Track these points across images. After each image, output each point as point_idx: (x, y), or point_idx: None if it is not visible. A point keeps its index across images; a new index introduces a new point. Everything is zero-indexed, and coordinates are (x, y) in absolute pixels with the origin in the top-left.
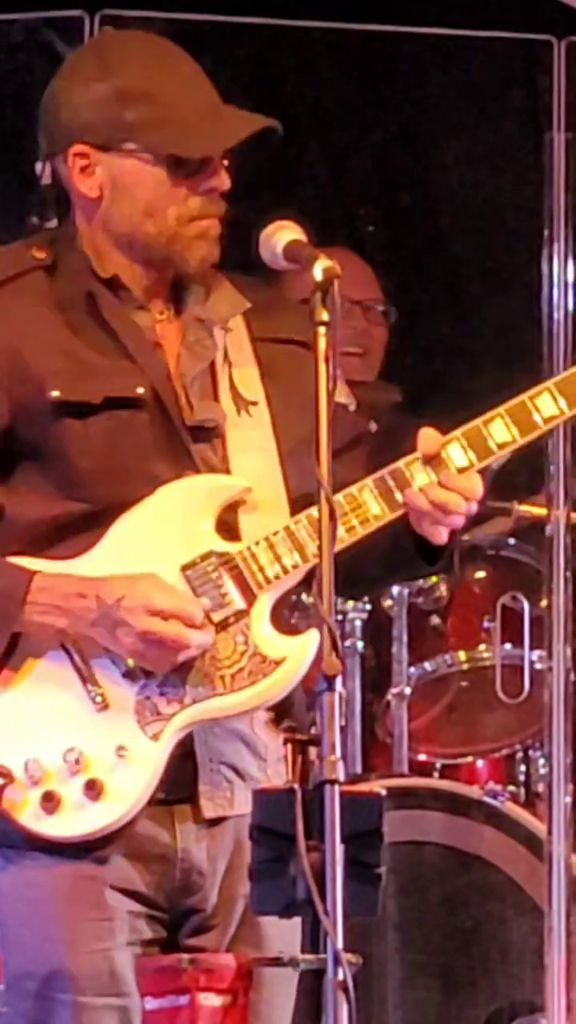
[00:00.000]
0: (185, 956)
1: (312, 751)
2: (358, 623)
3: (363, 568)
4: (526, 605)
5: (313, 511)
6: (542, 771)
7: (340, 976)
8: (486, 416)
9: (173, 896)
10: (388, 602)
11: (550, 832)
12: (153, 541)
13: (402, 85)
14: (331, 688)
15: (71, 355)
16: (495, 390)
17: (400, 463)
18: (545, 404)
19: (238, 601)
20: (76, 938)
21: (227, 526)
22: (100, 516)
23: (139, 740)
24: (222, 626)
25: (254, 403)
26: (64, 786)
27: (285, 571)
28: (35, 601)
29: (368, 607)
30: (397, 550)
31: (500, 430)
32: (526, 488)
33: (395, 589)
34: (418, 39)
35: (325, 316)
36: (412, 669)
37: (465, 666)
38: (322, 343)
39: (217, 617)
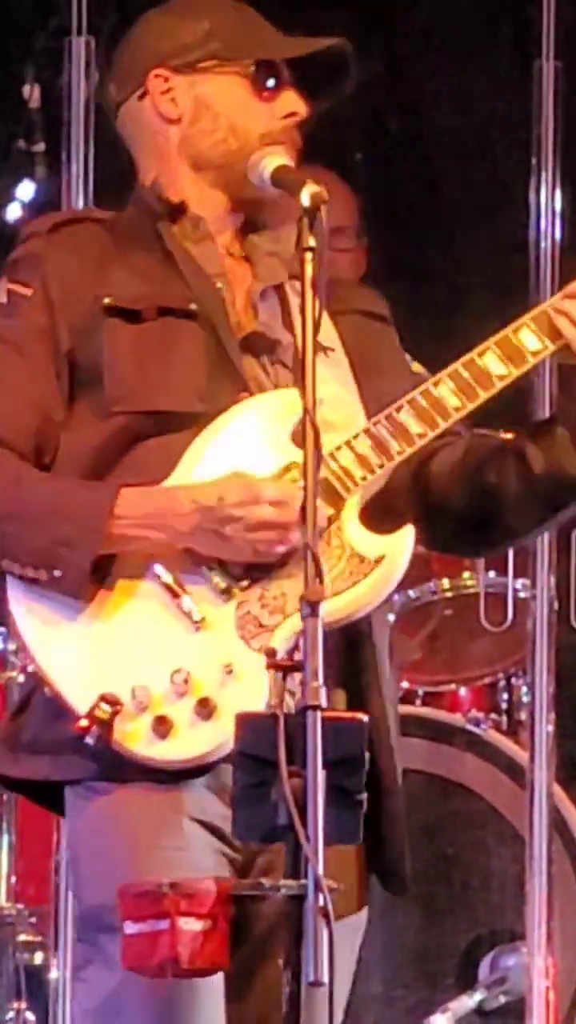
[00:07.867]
0: (165, 881)
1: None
2: None
3: (504, 519)
4: None
5: (391, 410)
6: (524, 699)
7: (321, 902)
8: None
9: None
10: None
11: (532, 760)
12: (233, 459)
13: (391, 12)
14: (314, 614)
15: (129, 271)
16: (483, 320)
17: (467, 356)
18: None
19: (327, 507)
20: (153, 869)
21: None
22: (152, 430)
23: (246, 655)
24: None
25: (331, 349)
26: (174, 708)
27: (371, 471)
28: (124, 515)
29: None
30: (536, 483)
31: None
32: (511, 419)
33: None
34: None
35: (312, 242)
36: (396, 596)
37: (449, 594)
38: (309, 269)
39: None
